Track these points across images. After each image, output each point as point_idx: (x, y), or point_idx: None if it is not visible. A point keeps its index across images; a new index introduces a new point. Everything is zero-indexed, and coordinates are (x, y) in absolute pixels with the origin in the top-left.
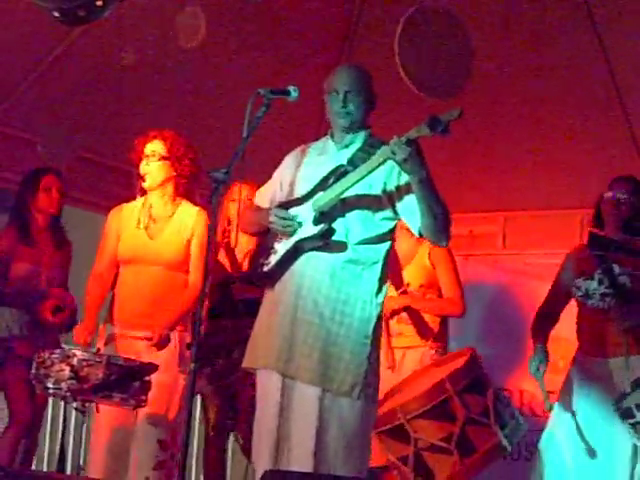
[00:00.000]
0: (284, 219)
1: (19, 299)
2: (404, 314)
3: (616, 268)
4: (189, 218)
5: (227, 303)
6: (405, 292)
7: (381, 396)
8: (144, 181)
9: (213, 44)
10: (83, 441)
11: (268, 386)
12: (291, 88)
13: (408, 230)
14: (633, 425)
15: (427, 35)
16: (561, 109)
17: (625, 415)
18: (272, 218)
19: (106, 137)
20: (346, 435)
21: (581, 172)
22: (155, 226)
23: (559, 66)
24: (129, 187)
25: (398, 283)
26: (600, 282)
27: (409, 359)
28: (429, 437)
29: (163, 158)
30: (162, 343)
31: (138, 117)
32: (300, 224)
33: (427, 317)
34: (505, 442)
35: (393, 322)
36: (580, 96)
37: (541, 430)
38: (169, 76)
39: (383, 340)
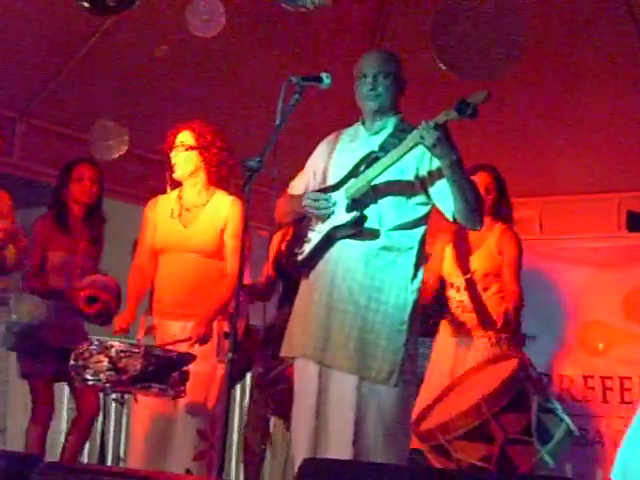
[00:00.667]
0: (319, 201)
1: (56, 291)
2: (467, 302)
3: None
4: (223, 207)
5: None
6: (471, 279)
7: (439, 391)
8: (174, 172)
9: (243, 34)
10: (123, 432)
11: (305, 375)
12: (323, 75)
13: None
14: None
15: (467, 18)
16: (598, 93)
17: None
18: (306, 202)
19: (143, 129)
20: (385, 422)
21: (618, 156)
22: (189, 215)
23: (598, 49)
24: (162, 178)
25: (465, 268)
26: None
27: (471, 350)
28: (469, 457)
29: (191, 148)
30: (203, 340)
31: (173, 109)
32: (335, 204)
33: (490, 307)
34: (547, 458)
35: (458, 310)
36: (618, 80)
37: (580, 415)
38: (201, 67)
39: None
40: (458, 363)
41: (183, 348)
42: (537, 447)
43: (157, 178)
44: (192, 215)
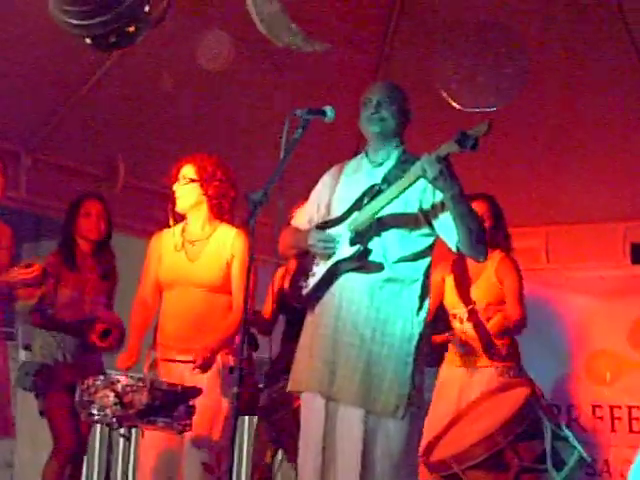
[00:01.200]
0: (324, 241)
1: (66, 325)
2: (472, 333)
3: None
4: (227, 239)
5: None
6: (472, 310)
7: (447, 421)
8: (177, 206)
9: (246, 66)
10: (130, 466)
11: (312, 409)
12: (327, 108)
13: None
14: None
15: (470, 47)
16: (604, 121)
17: None
18: (312, 241)
19: (146, 162)
20: (392, 456)
21: (624, 184)
22: (193, 249)
23: (599, 78)
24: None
25: (467, 299)
26: None
27: (477, 379)
28: None
29: (192, 181)
30: (205, 366)
31: (177, 141)
32: (338, 243)
33: (494, 335)
34: None
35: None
36: (621, 109)
37: (588, 444)
38: (206, 100)
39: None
40: (464, 392)
41: (189, 382)
42: (552, 475)
43: (162, 211)
44: (197, 249)
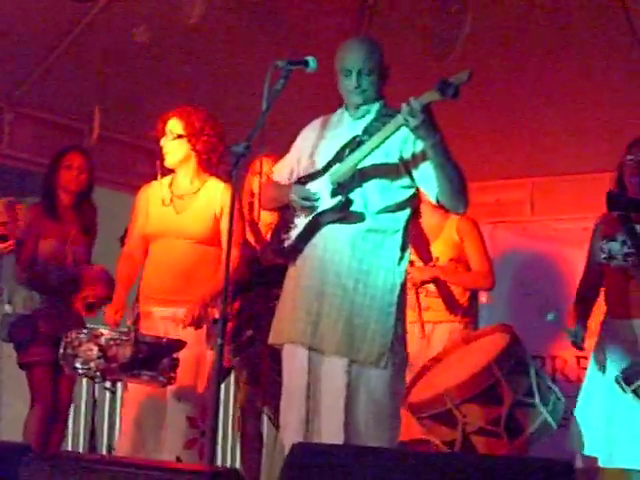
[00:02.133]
0: (305, 198)
1: (51, 287)
2: (432, 288)
3: (638, 228)
4: (216, 193)
5: (256, 275)
6: (434, 267)
7: (414, 371)
8: (165, 160)
9: (228, 18)
10: (115, 421)
11: (294, 360)
12: (309, 58)
13: (434, 206)
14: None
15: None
16: (587, 73)
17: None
18: (293, 196)
19: (128, 115)
20: (376, 405)
21: (608, 135)
22: (181, 202)
23: (584, 28)
24: (152, 165)
25: (426, 258)
26: (623, 243)
27: (438, 333)
28: (477, 421)
29: (180, 136)
30: (197, 322)
31: (160, 94)
32: (319, 199)
33: (456, 291)
34: (550, 419)
35: (422, 296)
36: (607, 59)
37: (573, 396)
38: (188, 52)
39: (413, 312)
40: (423, 346)
41: (172, 334)
42: (540, 409)
43: (145, 165)
44: (185, 202)
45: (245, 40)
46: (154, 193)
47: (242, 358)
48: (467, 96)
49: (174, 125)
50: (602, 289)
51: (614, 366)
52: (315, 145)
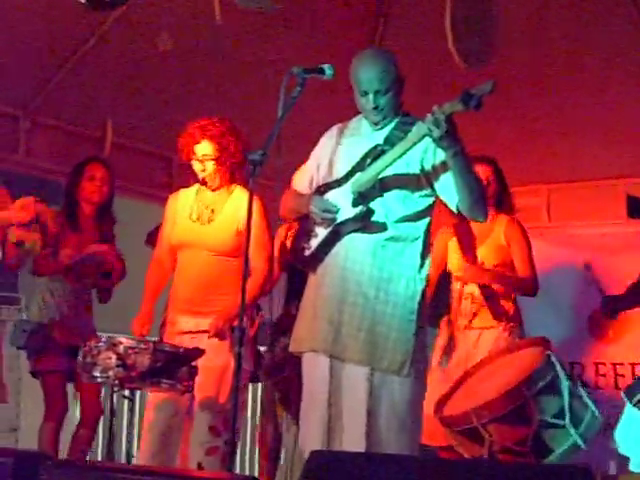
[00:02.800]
0: (325, 210)
1: (67, 266)
2: (477, 293)
3: None
4: (242, 203)
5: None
6: (483, 270)
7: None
8: (203, 183)
9: (243, 25)
10: (134, 429)
11: (315, 369)
12: (325, 66)
13: None
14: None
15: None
16: (605, 79)
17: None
18: (313, 208)
19: (145, 124)
20: (397, 413)
21: (625, 142)
22: (208, 212)
23: (604, 35)
24: (169, 174)
25: (472, 260)
26: None
27: (484, 340)
28: (504, 441)
29: (216, 159)
30: (220, 335)
31: (176, 103)
32: (339, 211)
33: (500, 297)
34: (580, 441)
35: (467, 302)
36: (624, 66)
37: (597, 402)
38: (204, 60)
39: (465, 320)
40: (471, 353)
41: (196, 343)
42: (570, 431)
43: (162, 173)
44: (211, 213)
45: (263, 47)
46: (182, 201)
47: (273, 381)
48: (486, 103)
49: (207, 149)
50: None
51: None
52: (334, 153)
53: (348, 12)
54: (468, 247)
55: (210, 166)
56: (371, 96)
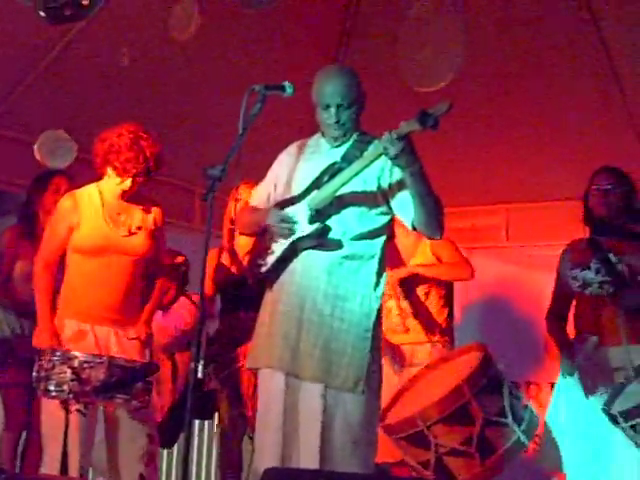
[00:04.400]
0: (283, 221)
1: (24, 304)
2: (408, 309)
3: (612, 257)
4: (152, 212)
5: (239, 301)
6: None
7: (393, 394)
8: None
9: (207, 43)
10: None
11: (271, 386)
12: (286, 84)
13: None
14: (624, 429)
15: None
16: (561, 101)
17: (613, 421)
18: (271, 220)
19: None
20: (351, 430)
21: (583, 162)
22: (122, 219)
23: (559, 58)
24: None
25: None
26: (597, 271)
27: (418, 355)
28: (449, 442)
29: (139, 171)
30: (148, 340)
31: (137, 115)
32: (296, 223)
33: (433, 310)
34: (523, 438)
35: (399, 318)
36: (581, 88)
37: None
38: (165, 75)
39: (397, 335)
40: (405, 369)
41: (115, 351)
42: (513, 428)
43: None
44: (126, 220)
45: (224, 64)
46: (84, 206)
47: (222, 379)
48: (444, 123)
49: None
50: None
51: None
52: (292, 170)
53: (310, 31)
54: (396, 265)
55: (139, 182)
56: (333, 110)
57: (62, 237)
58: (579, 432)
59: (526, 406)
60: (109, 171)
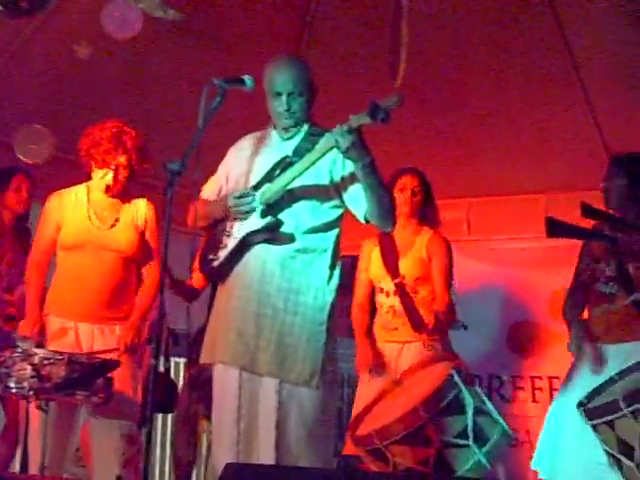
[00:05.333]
0: (242, 198)
1: None
2: (398, 306)
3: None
4: (141, 208)
5: None
6: (401, 284)
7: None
8: (107, 189)
9: (166, 34)
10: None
11: (225, 381)
12: (246, 77)
13: (407, 219)
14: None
15: None
16: (523, 96)
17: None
18: (231, 202)
19: (65, 132)
20: (307, 424)
21: (545, 158)
22: (109, 215)
23: (522, 55)
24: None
25: (394, 272)
26: (608, 267)
27: (405, 354)
28: (406, 461)
29: (128, 170)
30: (132, 349)
31: (96, 111)
32: (254, 200)
33: (422, 311)
34: (484, 460)
35: (389, 316)
36: (542, 83)
37: (509, 415)
38: (126, 69)
39: (386, 332)
40: (392, 368)
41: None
42: (474, 450)
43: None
44: (113, 217)
45: (184, 58)
46: (70, 204)
47: (200, 394)
48: (406, 116)
49: (121, 158)
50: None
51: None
52: (244, 164)
53: (271, 24)
54: (391, 259)
55: (121, 175)
56: (284, 97)
57: (50, 236)
58: (573, 440)
59: (496, 422)
60: (93, 166)
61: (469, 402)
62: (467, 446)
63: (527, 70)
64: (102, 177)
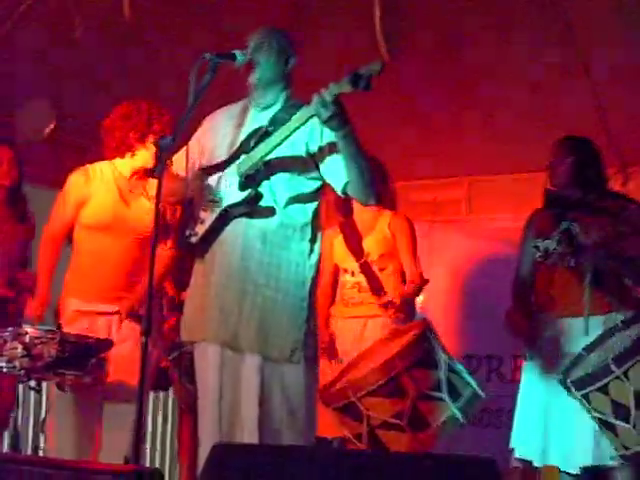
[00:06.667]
0: (205, 190)
1: None
2: (364, 283)
3: (575, 227)
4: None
5: None
6: (366, 262)
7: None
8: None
9: (161, 9)
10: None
11: (207, 359)
12: (237, 52)
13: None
14: (578, 399)
15: None
16: (524, 75)
17: (568, 390)
18: (193, 190)
19: (64, 112)
20: (289, 400)
21: (544, 136)
22: (130, 195)
23: (522, 30)
24: (83, 162)
25: (359, 253)
26: (559, 242)
27: (370, 328)
28: (380, 414)
29: None
30: (133, 315)
31: (93, 88)
32: (221, 199)
33: (388, 288)
34: (458, 414)
35: (355, 291)
36: (544, 60)
37: (509, 396)
38: (123, 45)
39: (346, 308)
40: (357, 342)
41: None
42: (448, 403)
43: (72, 162)
44: (134, 196)
45: (179, 33)
46: (96, 179)
47: (175, 357)
48: (408, 96)
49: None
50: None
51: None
52: (218, 136)
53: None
54: (354, 241)
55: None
56: (249, 50)
57: (71, 212)
58: (544, 413)
59: (468, 383)
60: (118, 147)
61: (442, 357)
62: (441, 399)
63: (521, 47)
64: (131, 157)
